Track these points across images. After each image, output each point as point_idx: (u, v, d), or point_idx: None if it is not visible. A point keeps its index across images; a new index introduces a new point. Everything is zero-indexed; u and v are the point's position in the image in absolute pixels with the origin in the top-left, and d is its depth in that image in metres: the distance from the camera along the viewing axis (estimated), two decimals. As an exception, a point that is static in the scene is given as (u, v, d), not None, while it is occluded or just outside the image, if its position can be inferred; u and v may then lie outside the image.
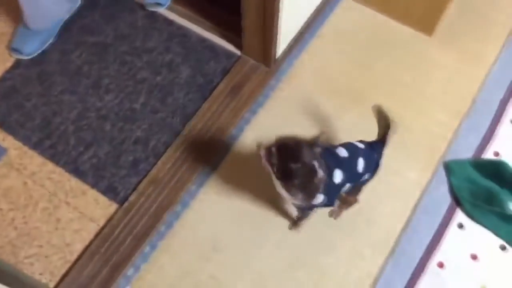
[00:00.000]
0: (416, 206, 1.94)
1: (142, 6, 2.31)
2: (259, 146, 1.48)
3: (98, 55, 2.21)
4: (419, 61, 2.22)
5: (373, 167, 1.65)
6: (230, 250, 1.86)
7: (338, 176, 1.56)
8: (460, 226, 1.90)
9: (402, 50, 2.24)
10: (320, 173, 1.47)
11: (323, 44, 2.25)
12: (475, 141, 2.06)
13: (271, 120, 2.09)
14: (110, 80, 2.16)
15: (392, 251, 1.86)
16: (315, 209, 1.70)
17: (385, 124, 1.66)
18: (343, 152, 1.60)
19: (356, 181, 1.66)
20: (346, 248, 1.86)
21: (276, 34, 2.01)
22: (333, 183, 1.55)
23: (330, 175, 1.53)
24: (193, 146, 2.04)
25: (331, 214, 1.90)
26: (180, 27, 2.28)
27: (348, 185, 1.63)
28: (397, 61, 2.22)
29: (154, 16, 2.30)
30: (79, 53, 2.21)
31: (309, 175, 1.46)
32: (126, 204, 1.92)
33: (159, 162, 2.00)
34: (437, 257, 1.85)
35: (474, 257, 1.86)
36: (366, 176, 1.66)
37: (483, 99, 2.14)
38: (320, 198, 1.55)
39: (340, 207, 1.88)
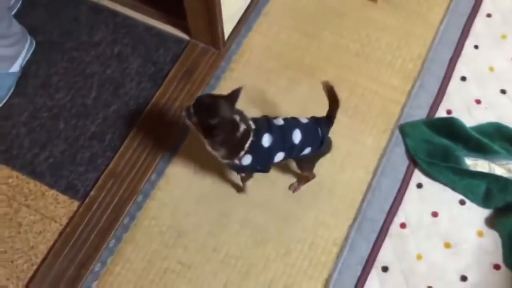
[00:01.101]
0: (375, 171, 1.96)
1: (85, 0, 2.27)
2: (181, 108, 1.54)
3: (45, 53, 2.17)
4: (366, 27, 2.22)
5: (316, 142, 1.65)
6: (195, 235, 1.86)
7: (266, 139, 1.57)
8: (419, 185, 1.94)
9: (348, 18, 2.25)
10: (242, 126, 1.51)
11: (270, 21, 2.25)
12: (428, 101, 2.08)
13: (225, 101, 2.09)
14: (59, 78, 2.13)
15: (355, 218, 1.89)
16: (250, 173, 1.74)
17: (333, 102, 1.66)
18: (278, 121, 1.63)
19: (292, 153, 1.66)
20: (310, 219, 1.89)
21: (220, 14, 2.00)
22: (262, 146, 1.57)
23: (259, 137, 1.56)
24: (149, 135, 2.03)
25: (290, 188, 1.92)
26: (126, 18, 2.25)
27: (281, 155, 1.63)
28: (344, 29, 2.22)
29: (98, 8, 2.26)
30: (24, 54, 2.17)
31: (230, 128, 1.51)
32: (87, 200, 1.91)
33: (117, 155, 1.99)
34: (399, 218, 1.88)
35: (434, 214, 1.89)
36: (308, 150, 1.65)
37: (432, 59, 2.16)
38: (247, 158, 1.58)
39: (299, 182, 1.90)
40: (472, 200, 1.90)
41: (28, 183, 1.94)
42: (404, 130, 2.01)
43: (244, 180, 1.85)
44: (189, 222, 1.88)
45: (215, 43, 2.15)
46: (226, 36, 2.15)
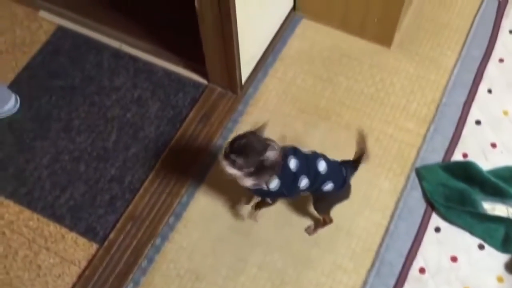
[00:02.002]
0: (392, 215, 1.96)
1: (107, 46, 2.35)
2: (220, 159, 1.54)
3: (67, 98, 2.23)
4: (381, 72, 2.27)
5: (339, 180, 1.68)
6: (212, 278, 1.86)
7: (293, 163, 1.60)
8: (437, 229, 1.93)
9: (362, 63, 2.30)
10: (274, 147, 1.53)
11: (286, 66, 2.30)
12: (443, 145, 2.10)
13: (243, 144, 2.12)
14: (81, 122, 2.18)
15: (373, 262, 1.88)
16: (274, 198, 1.75)
17: (360, 152, 1.73)
18: (304, 150, 1.67)
19: (316, 182, 1.67)
20: (328, 263, 1.88)
21: (238, 60, 2.06)
22: (289, 168, 1.59)
23: (285, 160, 1.58)
24: (167, 178, 2.06)
25: (306, 230, 1.92)
26: (146, 63, 2.32)
27: (306, 180, 1.63)
28: (359, 74, 2.27)
29: (119, 54, 2.34)
30: (48, 98, 2.23)
31: (262, 148, 1.51)
32: (106, 243, 1.93)
33: (136, 198, 2.02)
34: (417, 263, 1.87)
35: (453, 259, 1.88)
36: (330, 186, 1.67)
37: (447, 103, 2.19)
38: (275, 182, 1.59)
39: (316, 225, 1.91)
40: (491, 245, 1.89)
41: (49, 226, 1.97)
42: (421, 173, 2.03)
43: (259, 206, 1.85)
44: (207, 265, 1.89)
45: (232, 88, 2.21)
46: (243, 80, 2.21)
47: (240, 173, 1.52)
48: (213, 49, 2.05)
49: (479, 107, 2.17)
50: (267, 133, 2.10)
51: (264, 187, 1.61)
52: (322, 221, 1.88)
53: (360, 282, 1.85)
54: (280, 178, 1.59)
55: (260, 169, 1.53)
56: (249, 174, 1.54)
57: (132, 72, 2.30)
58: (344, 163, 1.72)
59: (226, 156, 1.52)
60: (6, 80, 2.26)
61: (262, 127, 1.57)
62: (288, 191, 1.66)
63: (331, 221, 1.87)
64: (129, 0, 2.48)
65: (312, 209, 1.87)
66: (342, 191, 1.72)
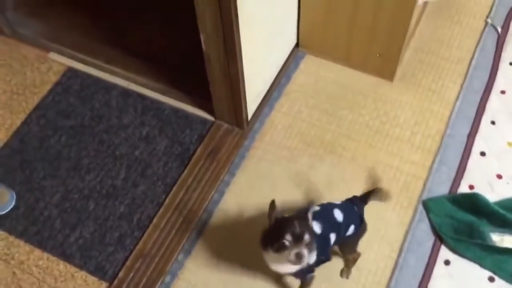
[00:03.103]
0: (401, 247, 1.96)
1: (115, 86, 2.40)
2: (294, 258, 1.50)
3: (76, 137, 2.27)
4: (385, 105, 2.31)
5: (356, 219, 1.70)
6: (223, 316, 1.86)
7: (316, 227, 1.60)
8: (447, 262, 1.93)
9: (366, 97, 2.34)
10: (311, 224, 1.54)
11: (291, 100, 2.34)
12: (449, 176, 2.11)
13: (249, 179, 2.14)
14: (90, 160, 2.21)
15: (384, 296, 1.88)
16: (315, 267, 1.70)
17: (374, 194, 1.78)
18: (314, 209, 1.66)
19: (341, 232, 1.69)
20: (338, 299, 1.88)
21: (244, 97, 2.10)
22: (316, 234, 1.59)
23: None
24: (176, 215, 2.07)
25: (342, 274, 1.91)
26: (153, 101, 2.37)
27: (333, 236, 1.65)
28: (363, 107, 2.31)
29: (127, 93, 2.39)
30: (57, 138, 2.27)
31: (304, 218, 1.52)
32: (115, 281, 1.93)
33: (145, 235, 2.03)
34: (428, 296, 1.87)
35: (464, 291, 1.88)
36: (352, 228, 1.69)
37: (451, 134, 2.22)
38: (312, 255, 1.57)
39: (347, 265, 1.89)
40: (501, 277, 1.88)
41: (58, 265, 1.98)
42: (428, 205, 2.03)
43: (308, 285, 1.80)
44: (216, 302, 1.89)
45: (239, 124, 2.24)
46: (249, 116, 2.24)
47: (307, 251, 1.48)
48: (219, 87, 2.09)
49: (483, 139, 2.19)
50: (271, 173, 2.15)
51: (305, 263, 1.55)
52: (352, 259, 1.87)
53: (371, 317, 1.84)
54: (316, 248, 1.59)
55: (313, 239, 1.52)
56: (311, 248, 1.51)
57: (140, 110, 2.34)
58: (351, 200, 1.74)
59: (291, 244, 1.46)
60: (17, 120, 2.31)
61: (273, 207, 1.56)
62: (326, 254, 1.66)
63: (359, 255, 1.87)
64: (138, 41, 2.55)
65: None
66: (362, 226, 1.74)
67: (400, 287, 1.89)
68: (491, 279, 1.89)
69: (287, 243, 1.46)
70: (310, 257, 1.56)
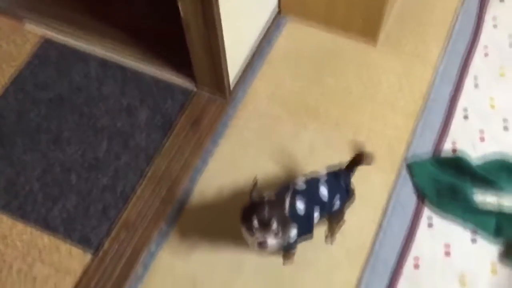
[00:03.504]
0: (385, 211, 1.98)
1: (94, 56, 2.35)
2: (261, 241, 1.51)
3: (56, 109, 2.23)
4: (367, 70, 2.29)
5: (343, 193, 1.70)
6: (209, 284, 1.86)
7: (299, 205, 1.61)
8: (430, 224, 1.95)
9: (349, 62, 2.32)
10: (286, 203, 1.53)
11: (273, 67, 2.31)
12: (432, 139, 2.12)
13: (233, 148, 2.13)
14: (71, 133, 2.18)
15: (368, 259, 1.89)
16: (298, 243, 1.72)
17: (357, 161, 1.76)
18: (301, 186, 1.66)
19: (326, 209, 1.70)
20: (323, 262, 1.89)
21: (226, 65, 2.07)
22: (298, 213, 1.60)
23: (293, 207, 1.58)
24: (160, 185, 2.06)
25: (326, 240, 1.92)
26: (134, 71, 2.33)
27: (317, 214, 1.66)
28: (346, 73, 2.29)
29: (107, 64, 2.34)
30: (37, 111, 2.23)
31: (280, 204, 1.52)
32: (100, 252, 1.93)
33: (129, 206, 2.02)
34: (411, 257, 1.88)
35: (447, 252, 1.89)
36: (338, 203, 1.70)
37: (434, 98, 2.21)
38: (293, 231, 1.60)
39: (331, 231, 1.90)
40: (484, 236, 1.91)
41: (42, 238, 1.97)
42: (411, 169, 2.04)
43: (287, 257, 1.86)
44: (203, 270, 1.89)
45: (221, 92, 2.21)
46: (232, 85, 2.22)
47: (273, 239, 1.49)
48: (200, 55, 2.06)
49: (466, 100, 2.19)
50: (255, 140, 2.14)
51: (288, 239, 1.60)
52: (338, 226, 1.89)
53: (355, 279, 1.86)
54: (295, 224, 1.59)
55: (286, 224, 1.53)
56: (280, 237, 1.52)
57: (120, 80, 2.30)
58: (336, 174, 1.72)
59: (256, 231, 1.48)
60: (-6, 94, 2.27)
61: (255, 186, 1.55)
62: (309, 229, 1.67)
63: (344, 222, 1.88)
64: (115, 9, 2.49)
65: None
66: (348, 198, 1.75)
67: (384, 250, 1.90)
68: (473, 240, 1.91)
69: (253, 229, 1.48)
70: (289, 237, 1.59)
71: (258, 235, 1.48)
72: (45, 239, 1.96)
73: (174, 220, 1.98)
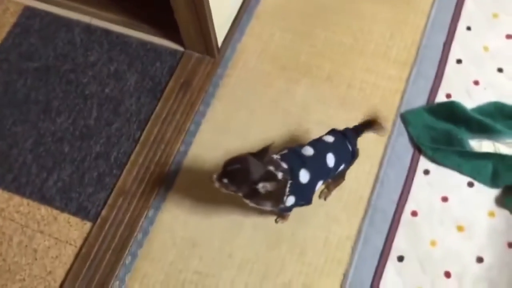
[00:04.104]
0: (381, 162, 1.97)
1: (77, 22, 2.29)
2: (212, 180, 1.52)
3: (43, 79, 2.19)
4: (358, 20, 2.23)
5: (348, 157, 1.66)
6: (209, 243, 1.88)
7: (303, 176, 1.56)
8: (426, 172, 1.94)
9: (338, 13, 2.26)
10: (279, 175, 1.49)
11: (262, 23, 2.26)
12: (426, 87, 2.09)
13: (225, 108, 2.10)
14: (60, 102, 2.14)
15: (366, 210, 1.90)
16: (294, 208, 1.70)
17: (368, 125, 1.70)
18: (308, 151, 1.60)
19: (330, 176, 1.68)
20: (321, 217, 1.89)
21: (212, 22, 2.01)
22: (301, 183, 1.56)
23: (295, 176, 1.55)
24: (154, 149, 2.04)
25: (320, 196, 1.90)
26: (119, 35, 2.27)
27: (320, 182, 1.63)
28: (336, 25, 2.23)
29: (90, 29, 2.28)
30: (23, 81, 2.18)
31: (257, 177, 1.47)
32: (99, 220, 1.93)
33: (124, 172, 2.01)
34: (409, 206, 1.89)
35: (444, 199, 1.90)
36: (342, 167, 1.67)
37: (427, 45, 2.17)
38: (291, 199, 1.57)
39: (328, 188, 1.89)
40: (480, 181, 1.91)
41: (39, 209, 1.96)
42: (406, 118, 2.02)
43: (281, 217, 1.86)
44: (202, 231, 1.90)
45: (209, 51, 2.17)
46: (219, 43, 2.17)
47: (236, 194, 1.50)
48: (184, 14, 1.99)
49: (459, 45, 2.15)
50: (247, 98, 2.10)
51: (282, 206, 1.59)
52: (336, 184, 1.87)
53: (354, 231, 1.87)
54: (294, 194, 1.56)
55: (256, 197, 1.51)
56: (246, 198, 1.53)
57: (106, 46, 2.25)
58: (344, 134, 1.66)
59: (219, 178, 1.49)
60: (-22, 67, 2.21)
61: (265, 150, 1.51)
62: (307, 200, 1.65)
63: (343, 180, 1.86)
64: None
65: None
66: (352, 160, 1.72)
67: (382, 201, 1.91)
68: (470, 184, 1.91)
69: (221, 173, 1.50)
70: (288, 201, 1.57)
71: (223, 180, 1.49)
72: (42, 210, 1.96)
73: (171, 183, 1.98)
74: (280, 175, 1.50)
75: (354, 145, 1.68)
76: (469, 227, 1.85)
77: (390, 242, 1.84)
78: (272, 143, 1.53)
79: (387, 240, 1.85)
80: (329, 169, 1.62)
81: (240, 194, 1.55)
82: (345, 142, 1.65)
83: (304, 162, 1.57)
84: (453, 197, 1.90)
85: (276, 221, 1.88)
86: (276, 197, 1.55)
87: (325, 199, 1.91)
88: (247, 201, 1.58)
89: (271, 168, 1.50)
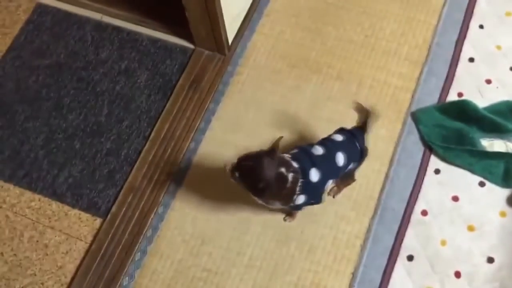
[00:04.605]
0: (391, 161, 1.96)
1: (88, 19, 2.30)
2: (226, 168, 1.53)
3: (54, 76, 2.20)
4: (369, 18, 2.22)
5: (357, 156, 1.66)
6: (218, 240, 1.88)
7: (314, 175, 1.56)
8: (437, 171, 1.93)
9: (349, 10, 2.24)
10: (290, 176, 1.50)
11: (272, 21, 2.25)
12: (438, 86, 2.07)
13: (235, 105, 2.10)
14: (71, 99, 2.16)
15: (376, 209, 1.89)
16: (304, 207, 1.70)
17: (365, 114, 1.70)
18: (318, 150, 1.61)
19: (339, 175, 1.67)
20: (331, 215, 1.89)
21: (222, 20, 2.01)
22: (311, 182, 1.56)
23: (306, 175, 1.55)
24: (164, 147, 2.05)
25: (329, 193, 1.90)
26: (130, 32, 2.28)
27: (330, 181, 1.63)
28: (347, 22, 2.22)
29: (101, 26, 2.29)
30: (35, 78, 2.20)
31: (280, 184, 1.49)
32: (109, 217, 1.94)
33: (134, 169, 2.02)
34: (419, 205, 1.88)
35: (455, 198, 1.89)
36: (352, 166, 1.67)
37: (438, 43, 2.15)
38: (301, 198, 1.57)
39: (339, 187, 1.88)
40: (492, 181, 1.89)
41: (51, 205, 1.98)
42: (417, 117, 2.01)
43: (291, 215, 1.85)
44: (211, 228, 1.90)
45: (220, 49, 2.17)
46: (230, 40, 2.17)
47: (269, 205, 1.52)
48: (195, 11, 2.00)
49: (471, 44, 2.13)
50: (257, 96, 2.10)
51: (291, 204, 1.59)
52: (346, 183, 1.86)
53: (363, 230, 1.86)
54: (305, 193, 1.56)
55: (265, 196, 1.52)
56: (255, 195, 1.53)
57: (117, 43, 2.26)
58: (353, 134, 1.66)
59: (231, 170, 1.51)
60: (-10, 64, 2.23)
61: (276, 144, 1.51)
62: (317, 199, 1.65)
63: (354, 180, 1.85)
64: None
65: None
66: (361, 159, 1.72)
67: (392, 199, 1.90)
68: (481, 184, 1.90)
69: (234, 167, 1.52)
70: (298, 200, 1.57)
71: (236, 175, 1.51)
72: (53, 206, 1.98)
73: (180, 181, 1.98)
74: (290, 176, 1.51)
75: (362, 143, 1.67)
76: (480, 227, 1.84)
77: (399, 241, 1.83)
78: (281, 137, 1.53)
79: (397, 239, 1.84)
80: (339, 168, 1.62)
81: (250, 192, 1.55)
82: (353, 141, 1.66)
83: (315, 161, 1.58)
84: (464, 196, 1.88)
85: (284, 220, 1.88)
86: (286, 196, 1.56)
87: (333, 196, 1.90)
88: (256, 199, 1.58)
89: (283, 169, 1.51)
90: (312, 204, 1.67)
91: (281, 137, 1.54)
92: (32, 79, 2.20)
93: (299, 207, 1.70)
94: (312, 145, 1.64)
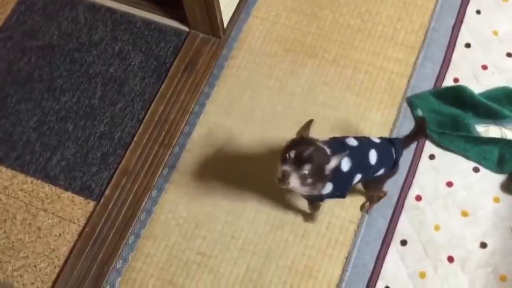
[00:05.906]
0: (386, 146, 1.95)
1: (82, 0, 2.26)
2: (283, 177, 1.41)
3: (47, 57, 2.17)
4: (365, 2, 2.20)
5: (390, 162, 1.60)
6: (212, 224, 1.88)
7: (345, 163, 1.50)
8: (431, 157, 1.93)
9: (347, -6, 2.23)
10: (330, 156, 1.43)
11: (268, 4, 2.23)
12: (434, 71, 2.06)
13: (230, 89, 2.08)
14: (64, 81, 2.13)
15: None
16: (326, 199, 1.64)
17: (419, 133, 1.69)
18: (352, 142, 1.56)
19: (368, 174, 1.60)
20: (326, 203, 1.88)
21: (217, 2, 1.99)
22: (341, 171, 1.51)
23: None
24: (158, 130, 2.03)
25: (363, 209, 1.87)
26: (123, 14, 2.24)
27: (358, 176, 1.57)
28: (344, 6, 2.20)
29: (95, 8, 2.26)
30: (27, 60, 2.17)
31: (327, 158, 1.43)
32: (102, 199, 1.93)
33: (128, 152, 2.00)
34: (413, 191, 1.88)
35: (449, 184, 1.89)
36: (382, 171, 1.61)
37: (435, 28, 2.14)
38: (328, 187, 1.52)
39: (370, 202, 1.85)
40: (486, 167, 1.89)
41: (43, 187, 1.96)
42: (412, 102, 2.00)
43: (315, 209, 1.80)
44: (205, 212, 1.89)
45: (214, 32, 2.14)
46: (225, 23, 2.14)
47: (298, 183, 1.41)
48: (190, -8, 1.97)
49: (468, 29, 2.12)
50: (253, 80, 2.08)
51: (316, 192, 1.52)
52: (377, 197, 1.83)
53: (358, 214, 1.86)
54: (333, 182, 1.51)
55: (319, 179, 1.44)
56: (307, 184, 1.43)
57: (110, 25, 2.23)
58: (392, 142, 1.61)
59: (296, 169, 1.39)
60: (-18, 45, 2.20)
61: (308, 127, 1.46)
62: (343, 192, 1.59)
63: (385, 194, 1.82)
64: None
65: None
66: (392, 170, 1.66)
67: (386, 184, 1.87)
68: (475, 169, 1.90)
69: (286, 160, 1.40)
70: (324, 189, 1.51)
71: (286, 167, 1.39)
72: (46, 188, 1.96)
73: (174, 164, 1.97)
74: (331, 157, 1.44)
75: (398, 155, 1.62)
76: (473, 212, 1.84)
77: (393, 226, 1.84)
78: (312, 120, 1.49)
79: (391, 224, 1.84)
80: (370, 165, 1.56)
81: (303, 182, 1.42)
82: (390, 148, 1.60)
83: (347, 150, 1.50)
84: (458, 182, 1.89)
85: (305, 220, 1.85)
86: (321, 180, 1.49)
87: (367, 212, 1.86)
88: (304, 189, 1.48)
89: (327, 148, 1.46)
90: (337, 196, 1.60)
91: (311, 120, 1.49)
92: (24, 60, 2.17)
93: (323, 198, 1.62)
94: (345, 137, 1.59)
